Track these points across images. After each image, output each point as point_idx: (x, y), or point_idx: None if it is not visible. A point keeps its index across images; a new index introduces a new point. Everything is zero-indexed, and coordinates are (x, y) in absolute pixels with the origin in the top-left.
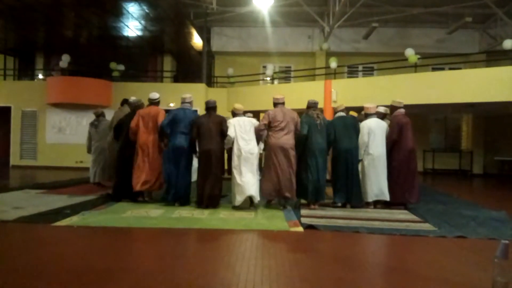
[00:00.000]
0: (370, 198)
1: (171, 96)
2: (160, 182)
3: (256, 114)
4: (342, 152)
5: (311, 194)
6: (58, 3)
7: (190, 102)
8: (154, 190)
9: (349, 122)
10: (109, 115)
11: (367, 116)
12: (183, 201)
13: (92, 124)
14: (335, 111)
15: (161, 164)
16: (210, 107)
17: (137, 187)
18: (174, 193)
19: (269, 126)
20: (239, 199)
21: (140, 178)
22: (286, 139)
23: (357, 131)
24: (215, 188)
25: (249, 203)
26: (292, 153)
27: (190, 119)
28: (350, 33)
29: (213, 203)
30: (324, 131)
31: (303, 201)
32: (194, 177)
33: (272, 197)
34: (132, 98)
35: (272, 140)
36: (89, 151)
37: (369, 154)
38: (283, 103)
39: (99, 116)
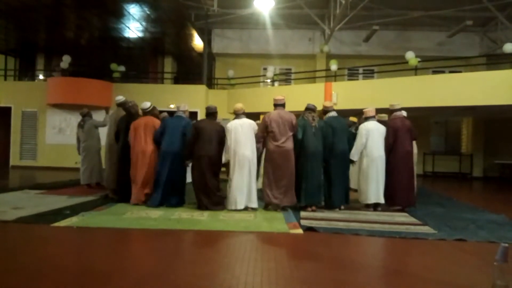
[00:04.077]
0: (370, 200)
1: (171, 97)
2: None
3: (256, 116)
4: (336, 154)
5: (305, 198)
6: (59, 4)
7: (184, 111)
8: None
9: (344, 123)
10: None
11: (366, 119)
12: (173, 203)
13: (79, 125)
14: (325, 110)
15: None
16: (211, 113)
17: (135, 201)
18: (161, 195)
19: (267, 131)
20: (232, 206)
21: (141, 192)
22: (284, 144)
23: (349, 133)
24: (213, 192)
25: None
26: (291, 157)
27: (181, 126)
28: (350, 35)
29: (214, 206)
30: (319, 134)
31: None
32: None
33: (273, 202)
34: (119, 98)
35: (270, 145)
36: (79, 152)
37: (367, 156)
38: (283, 105)
39: (85, 116)
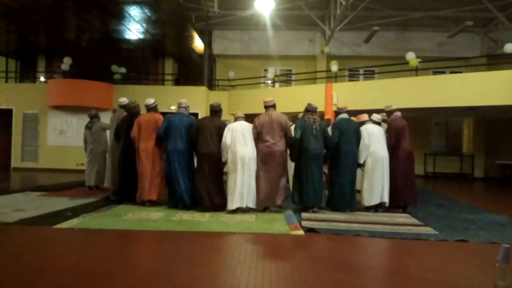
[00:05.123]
0: (374, 202)
1: (172, 99)
2: (161, 190)
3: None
4: (344, 156)
5: (305, 200)
6: (60, 6)
7: (186, 107)
8: (155, 199)
9: (354, 126)
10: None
11: (361, 124)
12: (186, 204)
13: (86, 126)
14: (338, 111)
15: (163, 170)
16: (214, 111)
17: (144, 197)
18: (176, 196)
19: (257, 133)
20: (231, 206)
21: (145, 188)
22: (273, 145)
23: (358, 136)
24: (216, 191)
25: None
26: (281, 159)
27: (186, 124)
28: (351, 36)
29: (215, 207)
30: (320, 136)
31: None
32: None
33: (265, 204)
34: (122, 99)
35: (260, 147)
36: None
37: (372, 156)
38: (272, 106)
39: (93, 117)
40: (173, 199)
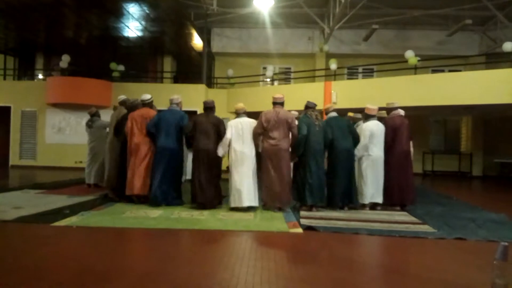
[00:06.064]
0: (367, 200)
1: (170, 97)
2: (145, 185)
3: (256, 115)
4: (339, 153)
5: (310, 198)
6: (58, 4)
7: (178, 103)
8: (137, 193)
9: (344, 123)
10: (108, 115)
11: (367, 117)
12: (171, 202)
13: (87, 124)
14: (326, 111)
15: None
16: (208, 107)
17: (128, 191)
18: (159, 193)
19: (263, 129)
20: (234, 204)
21: (132, 182)
22: (279, 143)
23: (352, 132)
24: (212, 188)
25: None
26: (286, 156)
27: (177, 120)
28: (350, 34)
29: (211, 204)
30: (321, 133)
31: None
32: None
33: (269, 202)
34: (121, 97)
35: (265, 144)
36: None
37: (369, 156)
38: (281, 103)
39: (93, 115)
40: (154, 196)
